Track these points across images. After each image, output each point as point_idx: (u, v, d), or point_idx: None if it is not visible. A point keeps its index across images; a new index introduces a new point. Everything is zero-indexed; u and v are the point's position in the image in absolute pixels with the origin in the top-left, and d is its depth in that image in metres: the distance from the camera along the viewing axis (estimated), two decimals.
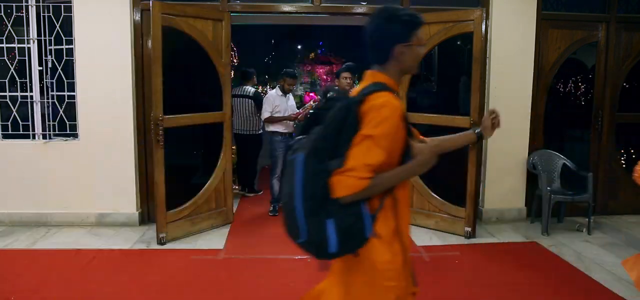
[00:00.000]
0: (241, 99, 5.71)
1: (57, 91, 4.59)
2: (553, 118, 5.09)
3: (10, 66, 4.57)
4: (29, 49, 4.55)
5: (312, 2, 4.76)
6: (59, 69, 4.56)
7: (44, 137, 4.65)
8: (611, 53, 5.00)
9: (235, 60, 7.73)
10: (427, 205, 4.67)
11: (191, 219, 4.41)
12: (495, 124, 1.92)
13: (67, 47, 4.55)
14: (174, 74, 4.31)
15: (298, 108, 5.52)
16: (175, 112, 4.19)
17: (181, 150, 4.63)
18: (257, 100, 5.73)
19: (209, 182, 4.55)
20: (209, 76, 4.55)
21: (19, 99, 4.60)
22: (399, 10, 1.56)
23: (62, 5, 4.49)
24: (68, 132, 4.63)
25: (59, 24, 4.52)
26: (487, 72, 4.71)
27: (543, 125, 4.98)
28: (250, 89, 5.79)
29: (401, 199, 1.58)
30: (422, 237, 4.39)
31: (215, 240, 4.31)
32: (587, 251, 4.14)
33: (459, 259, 3.93)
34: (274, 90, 5.28)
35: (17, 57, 4.56)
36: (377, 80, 1.57)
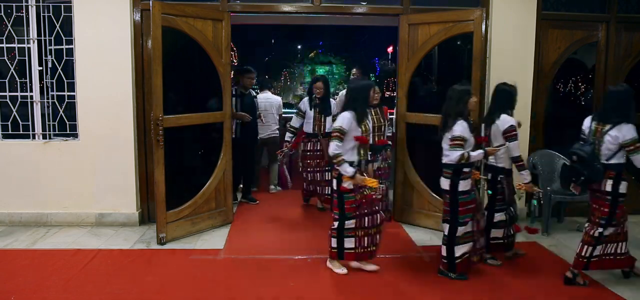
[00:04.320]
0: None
1: (57, 91, 4.59)
2: (553, 118, 5.08)
3: (10, 66, 4.57)
4: (29, 49, 4.55)
5: (312, 2, 4.76)
6: (59, 69, 4.57)
7: (44, 137, 4.65)
8: (611, 53, 5.00)
9: (235, 60, 7.73)
10: (427, 205, 4.67)
11: (191, 219, 4.41)
12: None
13: (67, 47, 4.55)
14: (174, 74, 4.31)
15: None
16: (175, 112, 4.19)
17: (181, 150, 4.63)
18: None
19: (209, 182, 4.55)
20: (209, 76, 4.55)
21: (19, 99, 4.60)
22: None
23: (62, 5, 4.49)
24: (68, 132, 4.63)
25: (59, 24, 4.52)
26: (487, 72, 4.71)
27: (543, 125, 4.98)
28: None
29: None
30: (422, 237, 4.39)
31: (215, 240, 4.31)
32: None
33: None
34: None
35: (17, 57, 4.56)
36: None
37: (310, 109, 5.06)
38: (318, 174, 5.08)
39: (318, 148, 5.04)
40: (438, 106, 4.72)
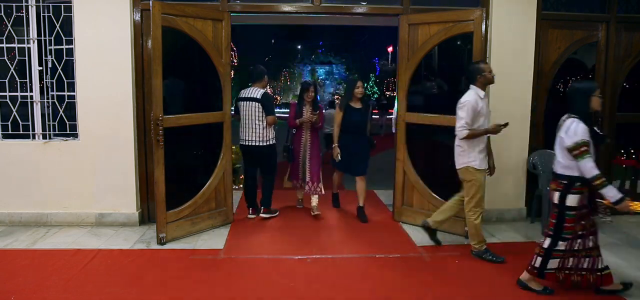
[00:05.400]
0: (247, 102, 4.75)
1: (57, 91, 4.59)
2: (553, 118, 5.05)
3: (10, 66, 4.57)
4: (29, 49, 4.55)
5: (312, 2, 4.76)
6: (59, 69, 4.57)
7: (44, 137, 4.65)
8: (611, 53, 5.00)
9: (235, 60, 7.70)
10: (427, 205, 4.67)
11: (191, 219, 4.41)
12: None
13: (67, 47, 4.55)
14: (174, 74, 4.31)
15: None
16: (176, 112, 4.20)
17: (181, 150, 4.63)
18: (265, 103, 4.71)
19: (209, 182, 4.55)
20: (209, 76, 4.55)
21: (19, 99, 4.60)
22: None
23: (62, 5, 4.49)
24: (68, 132, 4.63)
25: (59, 24, 4.52)
26: None
27: (543, 125, 4.98)
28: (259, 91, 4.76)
29: None
30: (422, 237, 4.38)
31: (215, 240, 4.31)
32: None
33: (459, 259, 3.92)
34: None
35: (17, 57, 4.56)
36: None
37: None
38: None
39: None
40: (438, 106, 4.75)
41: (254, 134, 4.71)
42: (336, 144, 4.88)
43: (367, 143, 4.93)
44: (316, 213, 5.01)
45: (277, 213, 5.08)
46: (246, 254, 3.96)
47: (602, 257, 3.18)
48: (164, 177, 4.09)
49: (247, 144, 4.76)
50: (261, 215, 4.93)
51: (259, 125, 4.68)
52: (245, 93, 4.77)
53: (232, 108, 4.81)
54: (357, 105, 4.89)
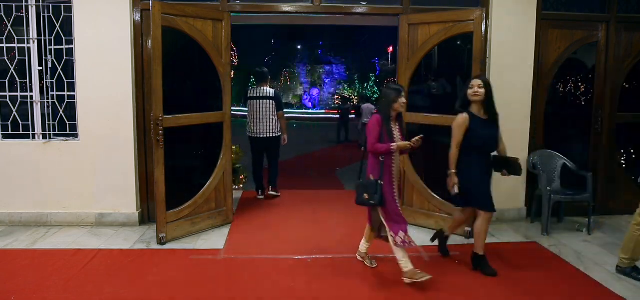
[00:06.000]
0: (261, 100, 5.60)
1: (57, 91, 4.59)
2: (553, 118, 5.09)
3: (10, 66, 4.57)
4: (29, 49, 4.55)
5: (312, 2, 4.76)
6: (59, 69, 4.57)
7: (44, 137, 4.65)
8: (611, 53, 5.00)
9: (235, 60, 7.74)
10: (427, 205, 4.67)
11: (191, 219, 4.41)
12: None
13: (67, 47, 4.55)
14: (174, 74, 4.31)
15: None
16: (176, 112, 4.20)
17: (181, 150, 4.64)
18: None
19: (209, 182, 4.55)
20: (209, 76, 4.56)
21: (19, 99, 4.61)
22: None
23: (62, 5, 4.49)
24: (68, 132, 4.63)
25: (59, 24, 4.52)
26: (487, 72, 4.72)
27: (543, 125, 4.98)
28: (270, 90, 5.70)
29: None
30: (422, 237, 4.38)
31: (215, 240, 4.31)
32: (587, 251, 4.14)
33: (459, 259, 3.92)
34: None
35: (17, 57, 4.56)
36: None
37: None
38: None
39: None
40: (438, 106, 4.75)
41: (266, 127, 5.58)
42: (454, 170, 3.55)
43: (490, 165, 3.70)
44: (421, 278, 3.31)
45: (280, 195, 5.86)
46: (246, 254, 3.96)
47: None
48: (164, 177, 4.09)
49: (260, 136, 5.60)
50: (270, 192, 5.81)
51: (272, 119, 5.59)
52: (256, 92, 5.62)
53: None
54: (482, 114, 3.55)
